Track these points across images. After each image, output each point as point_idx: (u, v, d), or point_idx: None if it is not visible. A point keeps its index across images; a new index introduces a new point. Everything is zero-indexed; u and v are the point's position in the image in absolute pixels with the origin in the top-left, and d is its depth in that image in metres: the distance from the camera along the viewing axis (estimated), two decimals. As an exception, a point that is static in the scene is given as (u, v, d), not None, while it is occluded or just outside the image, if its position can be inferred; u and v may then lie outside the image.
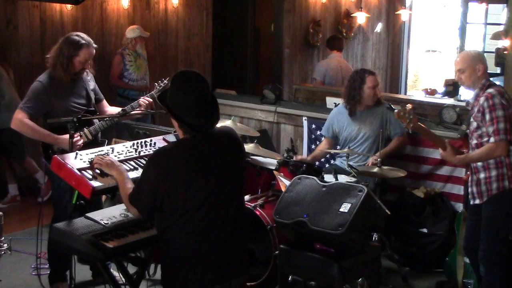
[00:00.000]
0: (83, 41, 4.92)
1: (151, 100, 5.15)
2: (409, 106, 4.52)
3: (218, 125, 3.68)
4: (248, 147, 5.59)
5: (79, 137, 4.86)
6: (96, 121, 5.05)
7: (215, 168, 3.43)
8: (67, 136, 4.63)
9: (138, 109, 5.09)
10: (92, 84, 5.20)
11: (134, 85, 8.30)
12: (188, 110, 3.39)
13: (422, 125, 4.62)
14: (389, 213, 5.08)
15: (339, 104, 6.37)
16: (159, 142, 4.28)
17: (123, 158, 4.00)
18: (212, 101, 3.50)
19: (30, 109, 4.81)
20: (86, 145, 4.83)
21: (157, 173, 3.36)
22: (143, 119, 6.39)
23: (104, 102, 5.35)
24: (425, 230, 5.89)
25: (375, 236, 5.07)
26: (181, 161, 3.36)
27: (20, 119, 4.81)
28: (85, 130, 4.97)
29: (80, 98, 5.02)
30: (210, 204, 3.40)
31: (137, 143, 4.24)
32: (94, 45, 5.02)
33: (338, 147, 6.18)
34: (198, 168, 3.38)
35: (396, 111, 4.54)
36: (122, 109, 5.05)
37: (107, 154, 3.97)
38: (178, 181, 3.33)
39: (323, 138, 6.41)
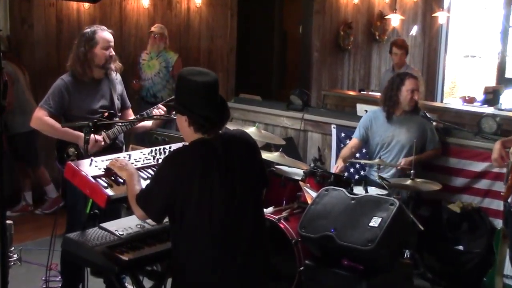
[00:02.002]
0: (96, 27, 5.03)
1: (165, 109, 5.14)
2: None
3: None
4: (273, 156, 5.59)
5: (101, 138, 4.93)
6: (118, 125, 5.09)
7: (230, 170, 3.45)
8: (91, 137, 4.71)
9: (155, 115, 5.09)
10: (119, 88, 5.24)
11: (140, 85, 8.35)
12: (199, 97, 3.42)
13: None
14: (422, 228, 5.05)
15: (371, 110, 6.36)
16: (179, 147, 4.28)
17: (141, 165, 4.01)
18: (221, 99, 3.53)
19: (50, 106, 4.88)
20: (105, 149, 4.88)
21: (172, 174, 3.37)
22: (162, 125, 6.41)
23: (129, 112, 5.37)
24: (461, 248, 5.84)
25: (407, 253, 5.05)
26: (196, 162, 3.38)
27: (40, 117, 4.88)
28: (103, 133, 5.01)
29: (103, 99, 5.06)
30: (226, 210, 3.40)
31: (155, 150, 4.24)
32: (109, 30, 5.09)
33: (368, 156, 6.16)
34: (212, 170, 3.39)
35: None
36: (139, 114, 5.08)
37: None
38: (193, 183, 3.34)
39: (347, 141, 6.41)
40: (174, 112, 5.12)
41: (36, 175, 7.62)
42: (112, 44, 5.07)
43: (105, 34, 5.02)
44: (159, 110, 5.02)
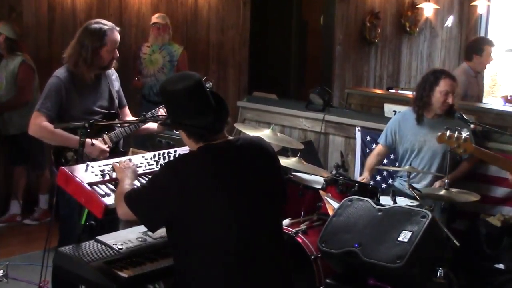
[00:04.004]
0: (106, 27, 5.02)
1: None
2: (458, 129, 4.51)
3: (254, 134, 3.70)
4: (290, 161, 5.59)
5: (106, 145, 4.98)
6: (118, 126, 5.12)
7: (241, 179, 3.46)
8: (94, 140, 4.77)
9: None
10: (116, 85, 5.29)
11: (142, 82, 8.37)
12: (185, 106, 3.44)
13: (482, 149, 4.56)
14: (458, 244, 5.04)
15: (399, 112, 6.35)
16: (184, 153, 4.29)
17: (142, 171, 4.03)
18: (213, 94, 3.55)
19: (48, 109, 4.91)
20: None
21: (171, 181, 3.38)
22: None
23: (126, 110, 5.44)
24: (501, 266, 5.82)
25: (440, 272, 5.03)
26: (200, 170, 3.39)
27: (39, 124, 4.90)
28: (105, 136, 5.05)
29: (102, 99, 5.11)
30: (236, 223, 3.41)
31: (159, 154, 4.27)
32: (118, 28, 5.13)
33: (397, 163, 6.15)
34: (218, 179, 3.40)
35: (439, 134, 4.52)
36: (142, 115, 5.09)
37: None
38: (195, 193, 3.34)
39: (373, 145, 6.42)
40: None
41: (40, 181, 7.69)
42: (118, 43, 5.12)
43: (115, 35, 5.06)
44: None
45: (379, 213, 4.44)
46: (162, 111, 5.02)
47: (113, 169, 3.92)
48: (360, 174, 6.50)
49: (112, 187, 3.82)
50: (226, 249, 3.39)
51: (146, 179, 3.97)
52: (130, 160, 4.10)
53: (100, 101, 5.09)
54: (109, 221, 4.53)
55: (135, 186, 3.63)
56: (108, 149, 4.99)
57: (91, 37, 4.97)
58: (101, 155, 4.88)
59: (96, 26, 5.03)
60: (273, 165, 3.66)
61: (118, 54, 5.12)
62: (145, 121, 4.99)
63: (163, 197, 3.39)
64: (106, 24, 5.06)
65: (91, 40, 4.97)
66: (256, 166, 3.55)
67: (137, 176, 3.89)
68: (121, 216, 3.64)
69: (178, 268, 3.51)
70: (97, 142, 4.88)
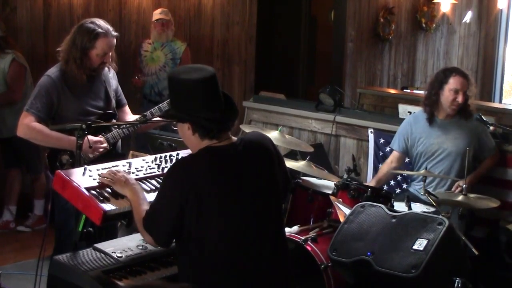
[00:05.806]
0: (100, 30, 5.02)
1: None
2: None
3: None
4: (299, 165, 5.59)
5: (102, 139, 4.98)
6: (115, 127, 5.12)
7: (247, 182, 3.48)
8: (89, 138, 4.74)
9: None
10: (114, 84, 5.30)
11: (142, 80, 8.36)
12: (198, 97, 3.44)
13: None
14: (476, 253, 5.03)
15: (414, 112, 6.34)
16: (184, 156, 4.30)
17: (143, 175, 4.03)
18: (224, 95, 3.55)
19: (38, 110, 4.92)
20: (102, 157, 4.92)
21: (176, 190, 3.40)
22: (167, 128, 6.42)
23: (126, 108, 5.45)
24: (523, 276, 5.83)
25: (458, 282, 5.02)
26: (204, 174, 3.41)
27: (27, 124, 4.93)
28: (101, 137, 5.05)
29: (97, 99, 5.12)
30: (242, 229, 3.44)
31: (160, 157, 4.27)
32: (114, 33, 5.12)
33: (411, 167, 6.15)
34: (224, 182, 3.43)
35: None
36: (141, 115, 5.10)
37: (128, 171, 4.00)
38: (201, 199, 3.36)
39: (387, 148, 6.42)
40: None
41: (35, 185, 7.68)
42: (112, 49, 5.12)
43: (107, 41, 5.05)
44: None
45: (393, 220, 4.44)
46: (161, 109, 5.04)
47: (103, 177, 3.86)
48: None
49: (111, 192, 3.82)
50: (230, 252, 3.42)
51: (148, 183, 3.98)
52: (130, 164, 4.10)
53: (95, 101, 5.10)
54: (108, 228, 4.54)
55: (148, 208, 3.58)
56: (104, 142, 5.00)
57: (82, 37, 5.00)
58: (95, 150, 4.89)
59: (90, 26, 5.04)
60: (274, 164, 3.67)
61: (111, 60, 5.14)
62: (144, 122, 5.00)
63: (170, 209, 3.41)
64: (101, 26, 5.06)
65: (81, 39, 4.99)
66: (259, 165, 3.58)
67: (138, 181, 3.87)
68: (150, 244, 3.65)
69: (183, 276, 3.52)
70: (91, 137, 4.87)
